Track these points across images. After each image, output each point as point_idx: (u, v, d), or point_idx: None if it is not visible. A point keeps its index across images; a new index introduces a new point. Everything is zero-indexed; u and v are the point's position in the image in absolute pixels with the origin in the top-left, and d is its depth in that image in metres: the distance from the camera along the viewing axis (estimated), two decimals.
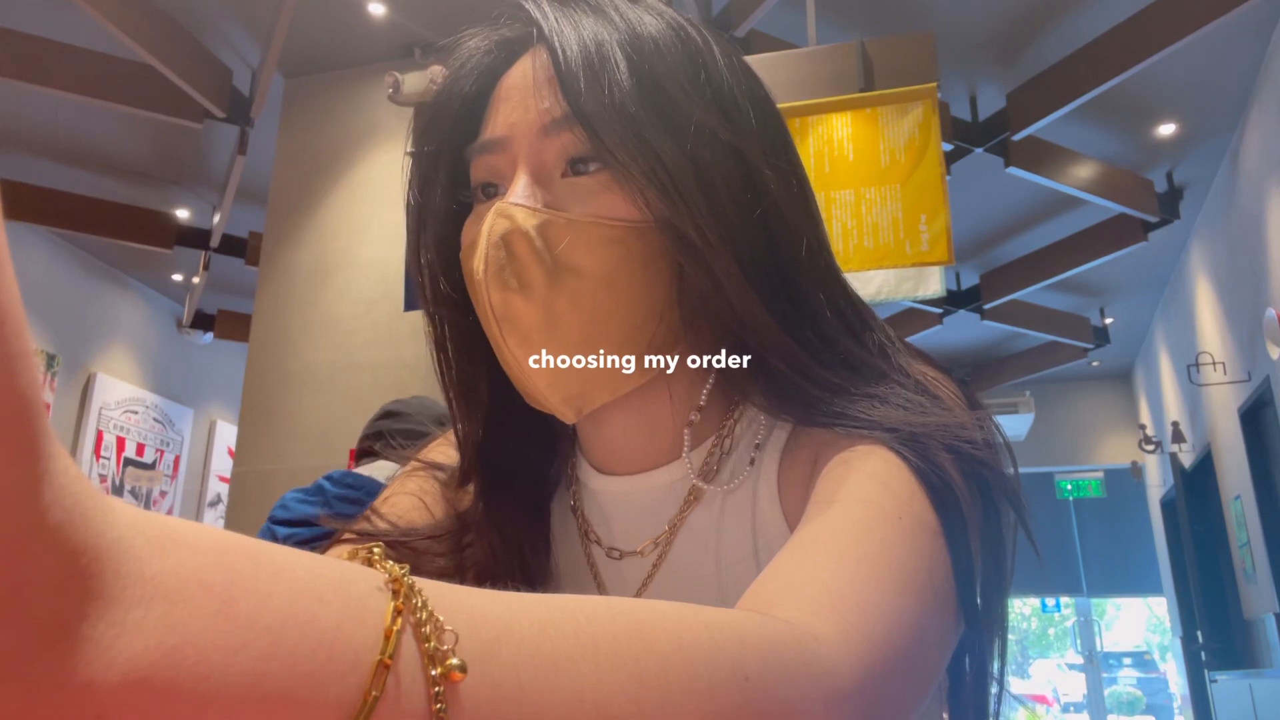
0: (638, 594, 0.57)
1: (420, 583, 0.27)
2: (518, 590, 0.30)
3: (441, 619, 0.26)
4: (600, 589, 0.59)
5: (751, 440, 0.57)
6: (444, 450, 0.66)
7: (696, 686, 0.30)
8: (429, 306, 0.59)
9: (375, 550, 0.28)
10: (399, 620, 0.25)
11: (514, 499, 0.61)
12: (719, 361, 0.55)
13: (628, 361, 0.53)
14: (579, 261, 0.50)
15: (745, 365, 0.54)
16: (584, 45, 0.51)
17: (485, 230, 0.51)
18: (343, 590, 0.25)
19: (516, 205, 0.51)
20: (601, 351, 0.52)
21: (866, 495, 0.45)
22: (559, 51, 0.51)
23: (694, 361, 0.56)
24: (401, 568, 0.27)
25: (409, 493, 0.62)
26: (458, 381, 0.60)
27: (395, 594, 0.26)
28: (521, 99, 0.53)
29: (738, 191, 0.52)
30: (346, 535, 0.57)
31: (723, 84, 0.54)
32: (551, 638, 0.28)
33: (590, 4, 0.54)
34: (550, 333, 0.51)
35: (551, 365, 0.52)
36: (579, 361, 0.52)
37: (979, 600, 0.47)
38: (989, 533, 0.48)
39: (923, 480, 0.46)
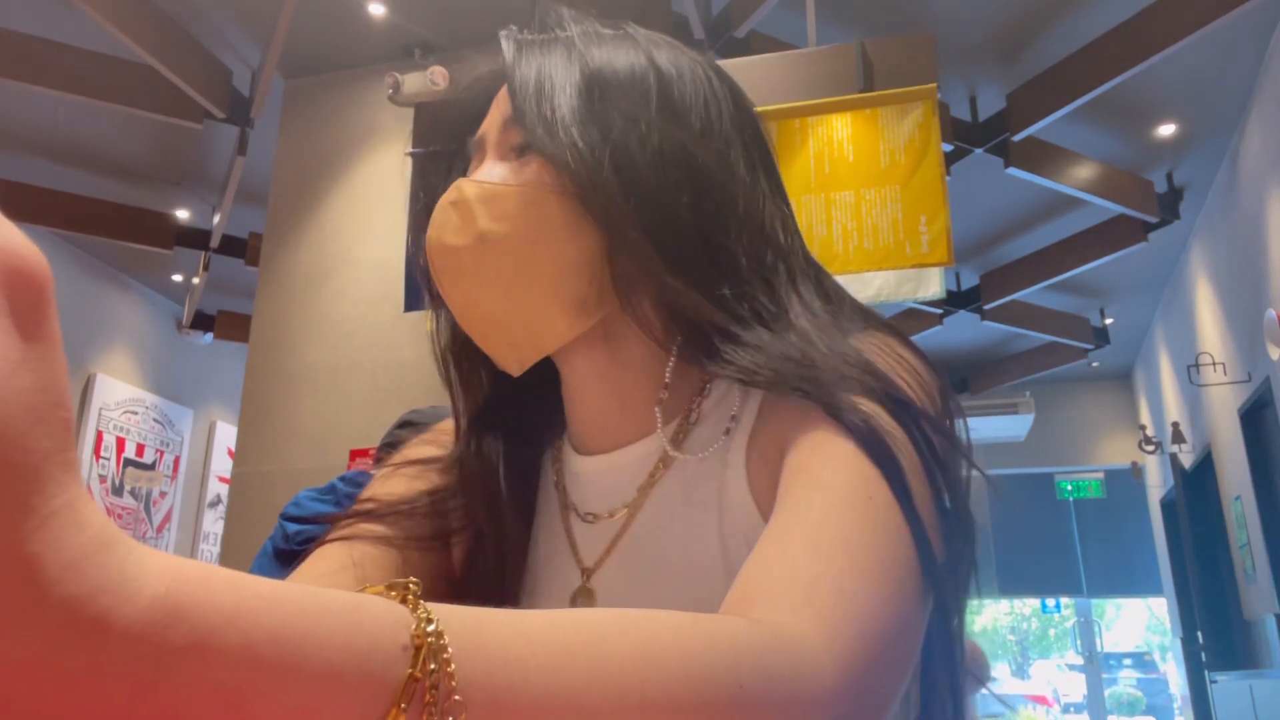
0: (606, 553, 0.62)
1: (443, 622, 0.28)
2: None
3: (455, 684, 0.27)
4: (573, 550, 0.64)
5: (726, 412, 0.61)
6: (420, 450, 0.71)
7: (698, 702, 0.33)
8: (431, 302, 0.66)
9: (413, 587, 0.30)
10: (404, 702, 0.26)
11: (499, 472, 0.66)
12: (653, 331, 0.60)
13: (558, 309, 0.59)
14: (508, 219, 0.59)
15: (689, 333, 0.59)
16: (540, 69, 0.60)
17: (440, 200, 0.61)
18: (363, 664, 0.26)
19: (467, 180, 0.61)
20: (534, 300, 0.59)
21: (832, 479, 0.47)
22: (514, 71, 0.61)
23: (641, 337, 0.61)
24: (430, 620, 0.28)
25: (392, 479, 0.67)
26: (457, 373, 0.67)
27: (417, 652, 0.27)
28: (498, 105, 0.64)
29: (659, 164, 0.58)
30: (333, 536, 0.62)
31: (672, 91, 0.61)
32: (564, 670, 0.30)
33: (559, 37, 0.63)
34: (482, 280, 0.59)
35: (491, 311, 0.59)
36: (514, 306, 0.59)
37: (942, 556, 0.47)
38: (933, 475, 0.49)
39: (859, 440, 0.48)
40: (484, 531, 0.64)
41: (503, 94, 0.63)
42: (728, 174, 0.61)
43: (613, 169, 0.57)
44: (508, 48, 0.62)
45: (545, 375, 0.65)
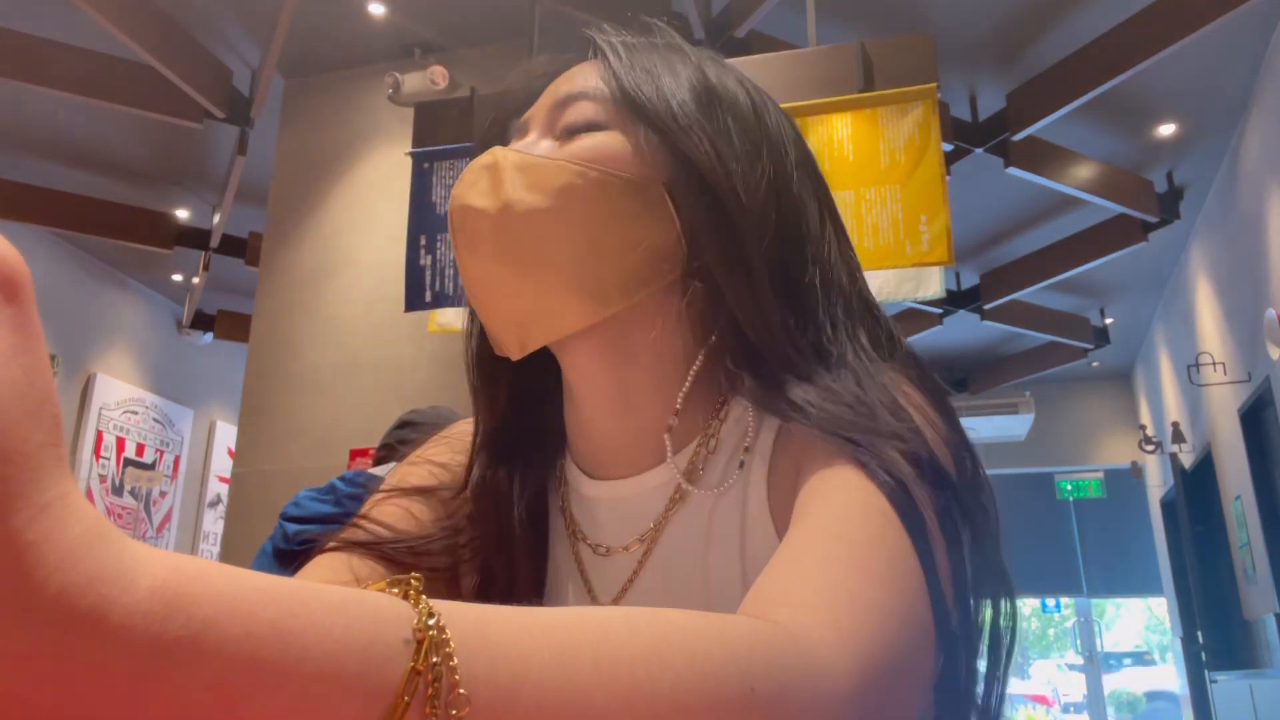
0: (623, 589, 0.59)
1: (445, 617, 0.28)
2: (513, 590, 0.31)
3: (458, 677, 0.27)
4: (586, 585, 0.61)
5: (740, 442, 0.58)
6: (418, 473, 0.67)
7: (706, 703, 0.32)
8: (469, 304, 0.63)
9: (414, 583, 0.29)
10: (408, 695, 0.26)
11: (514, 501, 0.63)
12: (685, 333, 0.58)
13: (575, 294, 0.56)
14: (540, 191, 0.56)
15: (736, 347, 0.56)
16: (646, 59, 0.59)
17: (472, 163, 0.58)
18: (364, 657, 0.26)
19: (505, 149, 0.58)
20: (551, 280, 0.56)
21: (847, 501, 0.47)
22: (616, 57, 0.59)
23: (655, 350, 0.58)
24: (432, 614, 0.28)
25: (395, 504, 0.64)
26: (482, 377, 0.64)
27: (419, 645, 0.27)
28: (550, 91, 0.61)
29: (767, 187, 0.57)
30: (331, 545, 0.59)
31: (768, 121, 0.60)
32: (570, 666, 0.30)
33: (656, 44, 0.61)
34: (500, 248, 0.56)
35: (502, 284, 0.57)
36: (528, 283, 0.56)
37: (954, 610, 0.47)
38: (953, 541, 0.48)
39: (887, 495, 0.47)
40: (495, 569, 0.62)
41: (561, 80, 0.61)
42: (810, 217, 0.60)
43: (735, 173, 0.56)
44: (605, 43, 0.60)
45: (550, 387, 0.63)
